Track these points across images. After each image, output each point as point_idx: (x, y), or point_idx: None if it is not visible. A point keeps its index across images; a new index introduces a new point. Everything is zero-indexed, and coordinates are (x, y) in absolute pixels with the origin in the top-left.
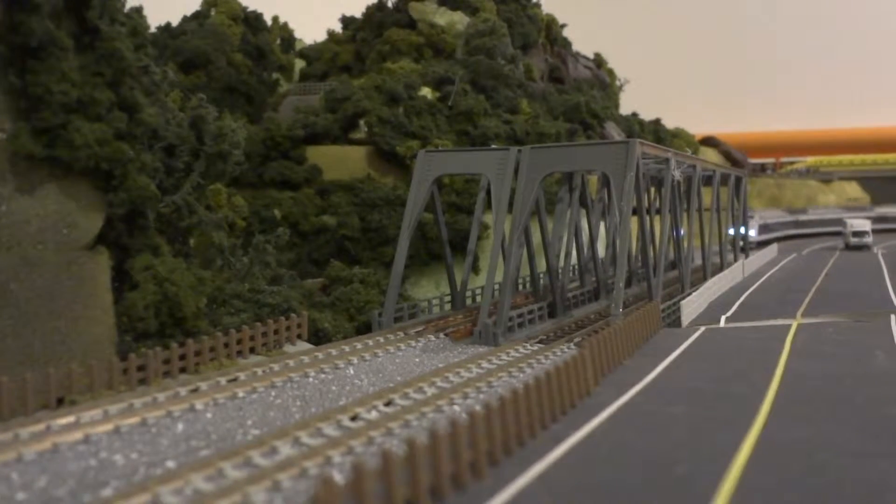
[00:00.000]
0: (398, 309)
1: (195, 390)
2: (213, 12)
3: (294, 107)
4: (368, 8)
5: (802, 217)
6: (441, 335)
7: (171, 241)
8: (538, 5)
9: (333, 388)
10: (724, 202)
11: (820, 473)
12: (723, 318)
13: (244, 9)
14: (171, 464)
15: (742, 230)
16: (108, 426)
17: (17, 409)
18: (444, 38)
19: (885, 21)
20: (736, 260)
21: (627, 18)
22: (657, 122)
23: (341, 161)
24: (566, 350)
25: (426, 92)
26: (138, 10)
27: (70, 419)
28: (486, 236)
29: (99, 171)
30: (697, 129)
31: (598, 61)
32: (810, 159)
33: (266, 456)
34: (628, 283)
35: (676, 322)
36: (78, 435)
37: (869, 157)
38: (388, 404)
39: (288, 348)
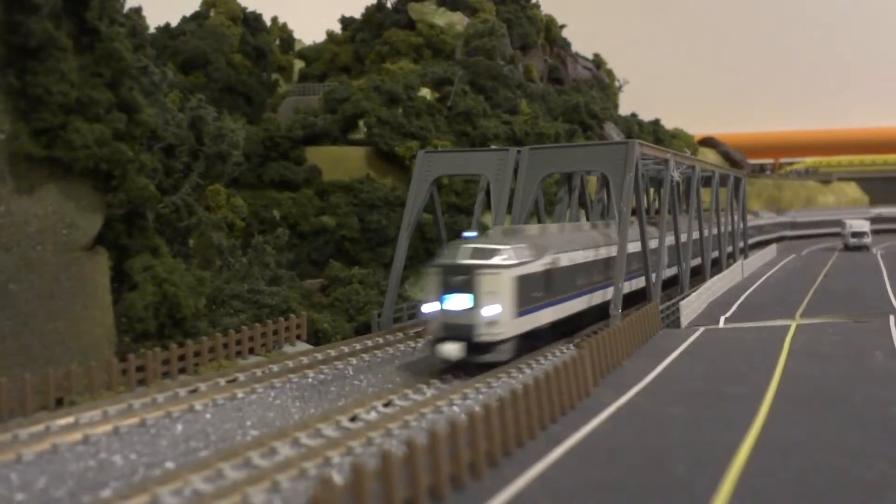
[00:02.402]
0: (397, 309)
1: (194, 391)
2: (212, 13)
3: (293, 107)
4: (368, 8)
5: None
6: None
7: (170, 241)
8: (537, 6)
9: (332, 388)
10: (722, 203)
11: (818, 474)
12: (722, 319)
13: (243, 9)
14: (170, 464)
15: None
16: (108, 427)
17: (17, 409)
18: (444, 39)
19: (885, 21)
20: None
21: (627, 19)
22: (656, 122)
23: (340, 162)
24: (565, 351)
25: (425, 92)
26: (137, 11)
27: (69, 420)
28: None
29: (98, 172)
30: (696, 130)
31: (598, 62)
32: (809, 160)
33: (265, 457)
34: None
35: (676, 323)
36: (77, 436)
37: (868, 158)
38: (387, 405)
39: (287, 349)
